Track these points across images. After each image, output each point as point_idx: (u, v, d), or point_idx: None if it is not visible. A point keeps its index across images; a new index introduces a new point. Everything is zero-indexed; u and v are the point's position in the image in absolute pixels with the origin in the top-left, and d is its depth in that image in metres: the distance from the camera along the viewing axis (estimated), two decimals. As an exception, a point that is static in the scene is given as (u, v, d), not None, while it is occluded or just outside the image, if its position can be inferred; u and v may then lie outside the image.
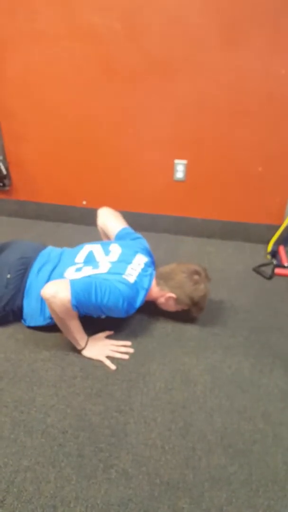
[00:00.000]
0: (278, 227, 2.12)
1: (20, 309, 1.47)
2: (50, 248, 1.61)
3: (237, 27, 1.75)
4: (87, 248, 1.57)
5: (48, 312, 1.37)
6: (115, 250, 1.54)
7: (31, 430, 1.13)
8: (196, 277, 1.46)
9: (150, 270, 1.54)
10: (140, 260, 1.53)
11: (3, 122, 2.24)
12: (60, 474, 1.02)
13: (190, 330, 1.55)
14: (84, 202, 2.37)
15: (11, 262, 1.48)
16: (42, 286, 1.29)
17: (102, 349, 1.42)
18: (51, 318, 1.37)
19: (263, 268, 1.97)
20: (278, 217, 2.16)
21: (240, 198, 2.17)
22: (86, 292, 1.27)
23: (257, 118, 1.94)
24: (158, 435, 1.13)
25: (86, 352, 1.39)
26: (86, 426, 1.15)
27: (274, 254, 2.09)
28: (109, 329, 1.51)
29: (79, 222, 2.41)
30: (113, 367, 1.35)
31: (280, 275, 1.93)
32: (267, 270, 1.95)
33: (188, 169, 2.14)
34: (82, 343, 1.39)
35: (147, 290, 1.48)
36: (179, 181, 2.18)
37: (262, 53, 1.78)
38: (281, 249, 2.11)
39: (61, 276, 1.44)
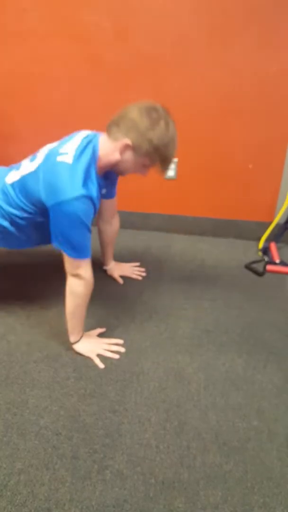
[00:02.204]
0: (269, 224, 2.13)
1: None
2: None
3: (227, 25, 1.75)
4: None
5: None
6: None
7: (24, 432, 1.12)
8: (154, 114, 1.16)
9: (93, 135, 1.28)
10: (83, 133, 1.30)
11: (-8, 122, 2.22)
12: (54, 476, 1.01)
13: (183, 328, 1.54)
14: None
15: None
16: None
17: (94, 346, 1.40)
18: None
19: (254, 265, 1.97)
20: (269, 214, 2.16)
21: (231, 196, 2.18)
22: (72, 239, 1.21)
23: (247, 116, 1.94)
24: (153, 434, 1.12)
25: (78, 347, 1.38)
26: (80, 427, 1.14)
27: (266, 251, 2.10)
28: (102, 326, 1.50)
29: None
30: (101, 365, 1.34)
31: (271, 271, 1.94)
32: (259, 267, 1.96)
33: (179, 167, 2.14)
34: (78, 336, 1.38)
35: (96, 154, 1.23)
36: (170, 179, 2.18)
37: (252, 51, 1.78)
38: (272, 246, 2.11)
39: (3, 181, 1.36)
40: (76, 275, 1.26)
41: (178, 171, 2.15)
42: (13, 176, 1.36)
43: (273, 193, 2.12)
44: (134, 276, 1.85)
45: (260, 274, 1.91)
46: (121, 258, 1.93)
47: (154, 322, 1.57)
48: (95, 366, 1.34)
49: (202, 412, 1.19)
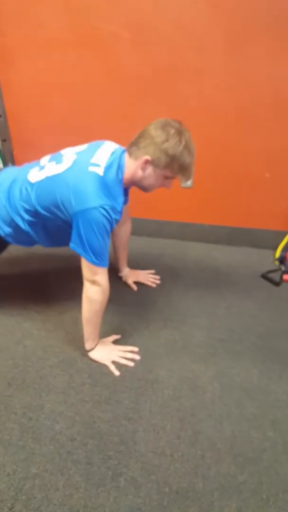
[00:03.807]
0: (285, 233, 2.12)
1: None
2: (10, 167, 1.50)
3: (242, 33, 1.76)
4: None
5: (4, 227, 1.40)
6: (84, 146, 1.39)
7: (39, 437, 1.13)
8: (168, 127, 1.23)
9: (119, 151, 1.33)
10: (110, 146, 1.34)
11: (13, 130, 2.26)
12: (69, 482, 1.01)
13: (197, 336, 1.54)
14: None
15: None
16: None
17: (109, 353, 1.41)
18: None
19: (271, 275, 1.96)
20: (286, 223, 2.15)
21: (247, 204, 2.17)
22: (94, 243, 1.22)
23: (264, 124, 1.94)
24: (167, 443, 1.12)
25: (93, 354, 1.40)
26: (95, 433, 1.14)
27: (282, 260, 2.08)
28: (117, 333, 1.51)
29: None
30: (117, 373, 1.35)
31: (288, 281, 1.92)
32: (275, 276, 1.94)
33: (195, 175, 2.14)
34: (94, 343, 1.40)
35: (122, 171, 1.29)
36: (185, 187, 2.19)
37: (268, 59, 1.78)
38: (289, 255, 2.10)
39: (25, 179, 1.37)
40: (93, 282, 1.27)
41: (194, 179, 2.15)
42: (36, 175, 1.35)
43: (289, 202, 2.11)
44: (148, 283, 1.86)
45: (276, 283, 1.90)
46: (136, 265, 1.94)
47: (169, 330, 1.57)
48: (110, 372, 1.35)
49: (216, 422, 1.19)
